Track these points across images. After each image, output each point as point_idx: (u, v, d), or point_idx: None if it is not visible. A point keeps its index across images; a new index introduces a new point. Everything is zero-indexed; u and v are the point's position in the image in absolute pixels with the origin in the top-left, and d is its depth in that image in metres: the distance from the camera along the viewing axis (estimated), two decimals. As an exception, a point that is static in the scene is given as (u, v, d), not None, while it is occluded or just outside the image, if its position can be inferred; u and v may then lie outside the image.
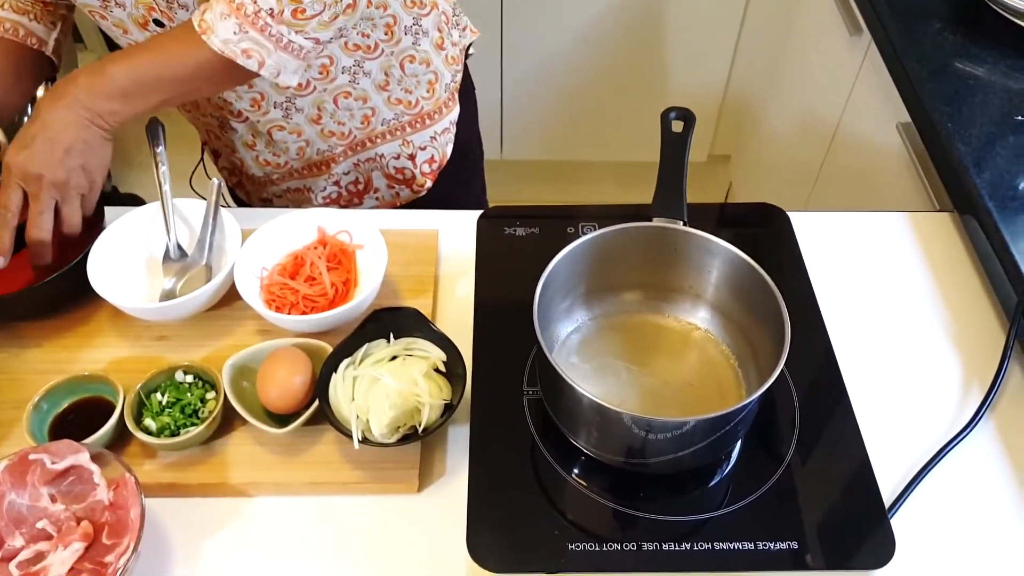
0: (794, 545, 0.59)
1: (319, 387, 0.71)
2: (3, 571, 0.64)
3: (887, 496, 0.67)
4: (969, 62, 1.10)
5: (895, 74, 1.13)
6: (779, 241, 0.81)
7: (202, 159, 1.06)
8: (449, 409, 0.70)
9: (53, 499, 0.67)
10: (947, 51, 1.13)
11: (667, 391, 0.68)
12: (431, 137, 1.05)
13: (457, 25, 1.04)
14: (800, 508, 0.62)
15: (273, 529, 0.69)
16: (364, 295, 0.76)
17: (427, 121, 1.04)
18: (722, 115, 2.01)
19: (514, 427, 0.67)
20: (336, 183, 1.04)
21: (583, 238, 0.65)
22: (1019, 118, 1.01)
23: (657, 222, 0.68)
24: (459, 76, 1.06)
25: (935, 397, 0.77)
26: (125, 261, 0.82)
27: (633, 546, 0.59)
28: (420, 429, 0.69)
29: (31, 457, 0.66)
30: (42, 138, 0.74)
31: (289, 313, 0.78)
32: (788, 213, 0.85)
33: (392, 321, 0.75)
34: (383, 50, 0.93)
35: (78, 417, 0.73)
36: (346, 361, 0.73)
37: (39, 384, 0.76)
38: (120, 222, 0.82)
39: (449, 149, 1.09)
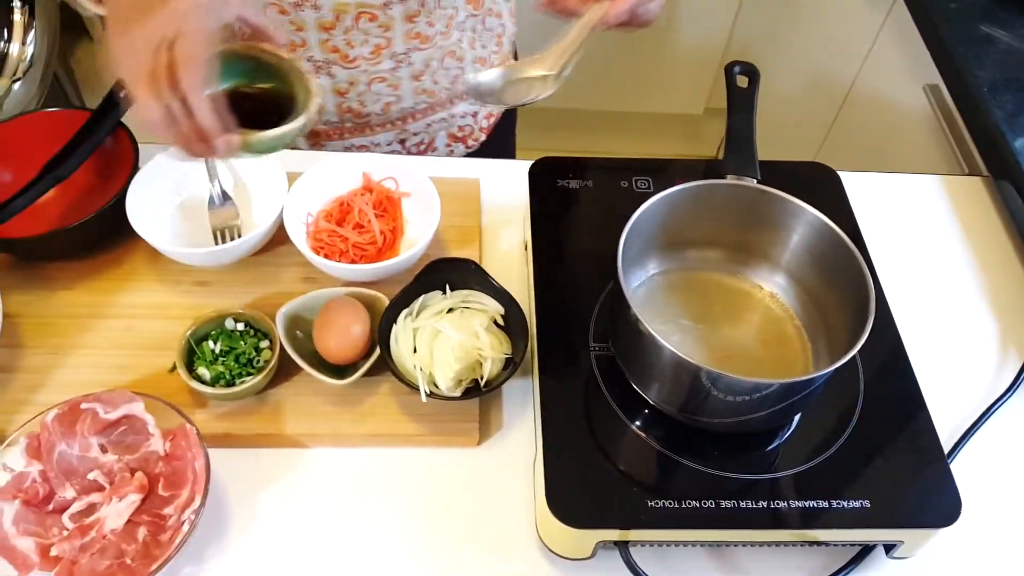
0: (866, 504, 0.60)
1: (380, 338, 0.69)
2: (56, 522, 0.62)
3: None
4: (999, 27, 1.11)
5: (927, 36, 1.13)
6: (832, 202, 0.81)
7: None
8: (512, 364, 0.69)
9: (103, 449, 0.65)
10: (976, 15, 1.13)
11: (732, 353, 0.68)
12: None
13: None
14: (870, 467, 0.63)
15: (331, 480, 0.67)
16: (420, 245, 0.74)
17: None
18: (723, 67, 1.99)
19: (583, 385, 0.66)
20: (401, 141, 1.01)
21: (666, 192, 0.64)
22: (1050, 86, 1.02)
23: (731, 180, 0.67)
24: (515, 29, 1.04)
25: (974, 361, 0.79)
26: (161, 203, 0.78)
27: (711, 503, 0.60)
28: (482, 383, 0.68)
29: (83, 406, 0.63)
30: None
31: (339, 260, 0.75)
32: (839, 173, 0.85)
33: (449, 273, 0.73)
34: (485, 5, 0.91)
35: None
36: (404, 312, 0.71)
37: (72, 328, 0.73)
38: (154, 162, 0.78)
39: None
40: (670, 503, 0.60)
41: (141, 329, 0.73)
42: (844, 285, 0.63)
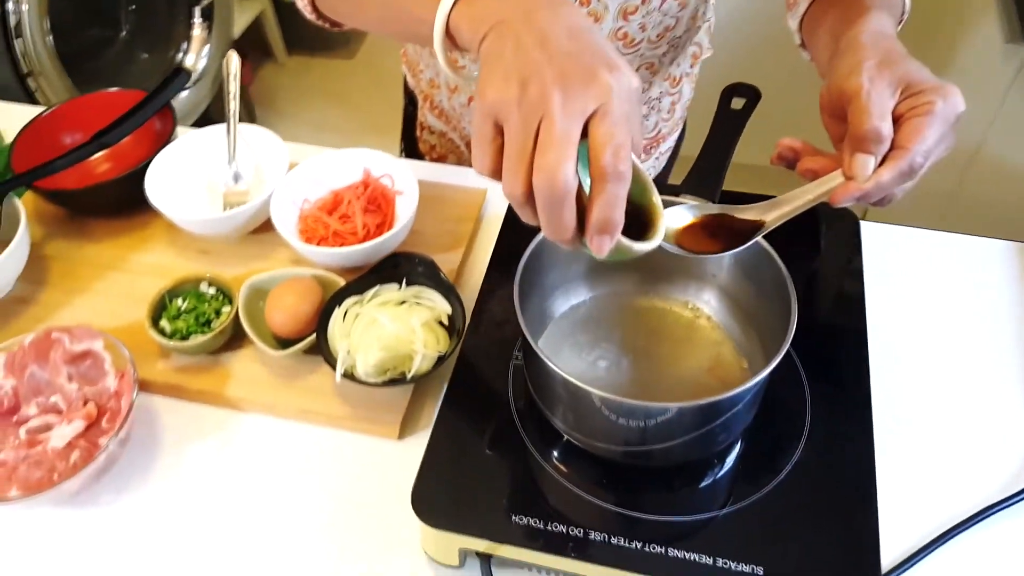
0: (759, 571, 0.53)
1: (321, 318, 0.71)
2: (14, 432, 0.69)
3: (893, 554, 0.58)
4: None
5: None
6: (840, 244, 0.73)
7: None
8: (440, 360, 0.68)
9: (70, 378, 0.72)
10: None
11: (665, 379, 0.63)
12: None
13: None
14: (780, 530, 0.55)
15: (257, 446, 0.70)
16: (387, 236, 0.76)
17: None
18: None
19: (493, 390, 0.64)
20: None
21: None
22: None
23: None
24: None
25: (975, 455, 0.66)
26: (185, 175, 0.86)
27: (579, 532, 0.55)
28: (409, 377, 0.68)
29: (53, 336, 0.71)
30: None
31: (317, 245, 0.79)
32: (860, 221, 0.76)
33: (408, 267, 0.75)
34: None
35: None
36: (354, 298, 0.73)
37: (89, 276, 0.82)
38: (186, 137, 0.87)
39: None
40: (535, 522, 0.56)
41: (142, 284, 0.81)
42: (777, 305, 0.56)
